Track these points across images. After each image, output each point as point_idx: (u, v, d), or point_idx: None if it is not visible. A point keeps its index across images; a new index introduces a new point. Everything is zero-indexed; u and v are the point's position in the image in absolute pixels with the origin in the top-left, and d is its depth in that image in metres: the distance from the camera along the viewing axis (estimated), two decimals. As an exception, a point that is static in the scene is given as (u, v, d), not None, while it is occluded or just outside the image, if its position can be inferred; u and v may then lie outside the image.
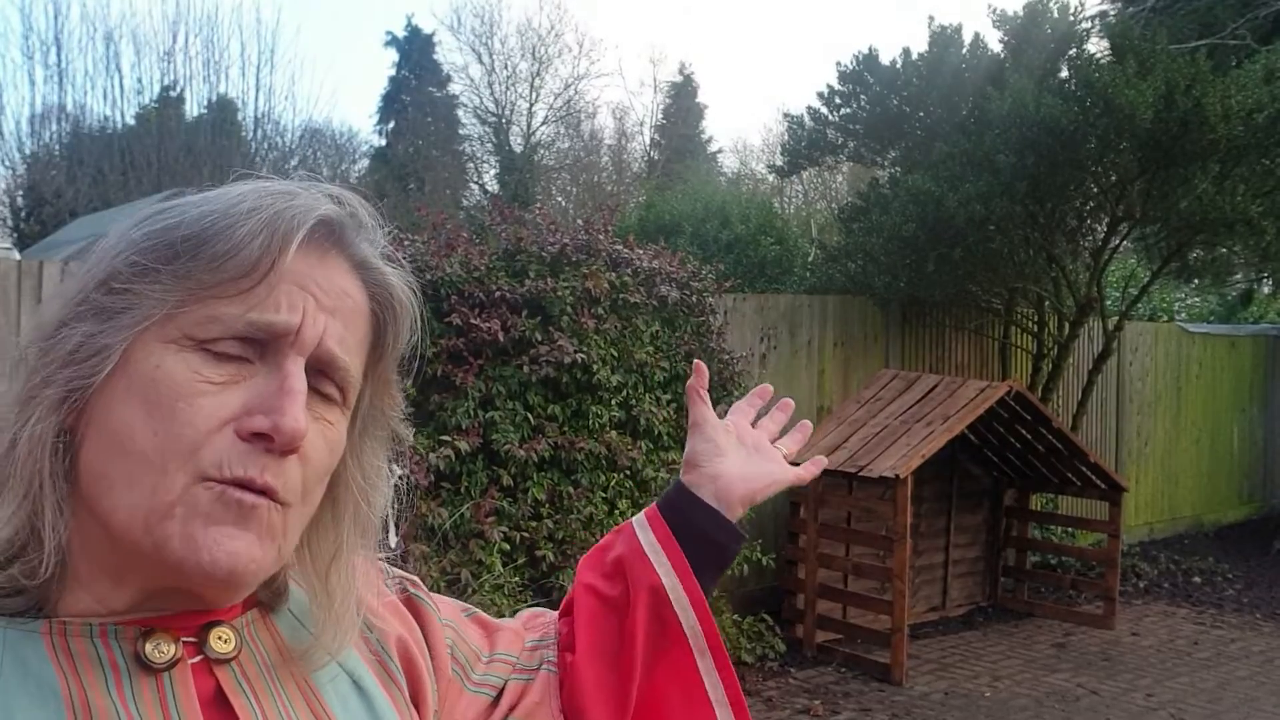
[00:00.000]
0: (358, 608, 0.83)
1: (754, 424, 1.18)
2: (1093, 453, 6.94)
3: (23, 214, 17.14)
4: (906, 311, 7.81)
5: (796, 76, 41.57)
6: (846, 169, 16.90)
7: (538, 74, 25.57)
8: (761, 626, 6.09)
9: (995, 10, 8.11)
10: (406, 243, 5.16)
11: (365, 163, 23.93)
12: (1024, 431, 6.76)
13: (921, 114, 8.01)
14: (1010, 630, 6.94)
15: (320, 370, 0.75)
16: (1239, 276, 10.75)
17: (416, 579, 0.96)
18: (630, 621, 0.99)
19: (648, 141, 27.75)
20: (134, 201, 12.90)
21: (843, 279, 7.84)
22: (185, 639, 0.74)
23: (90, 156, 16.74)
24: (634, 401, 5.40)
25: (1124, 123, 6.39)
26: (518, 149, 24.83)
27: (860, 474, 5.89)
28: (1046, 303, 8.09)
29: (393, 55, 25.56)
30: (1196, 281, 9.88)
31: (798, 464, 1.17)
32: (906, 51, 8.04)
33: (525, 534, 5.00)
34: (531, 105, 25.53)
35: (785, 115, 11.33)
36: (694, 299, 5.83)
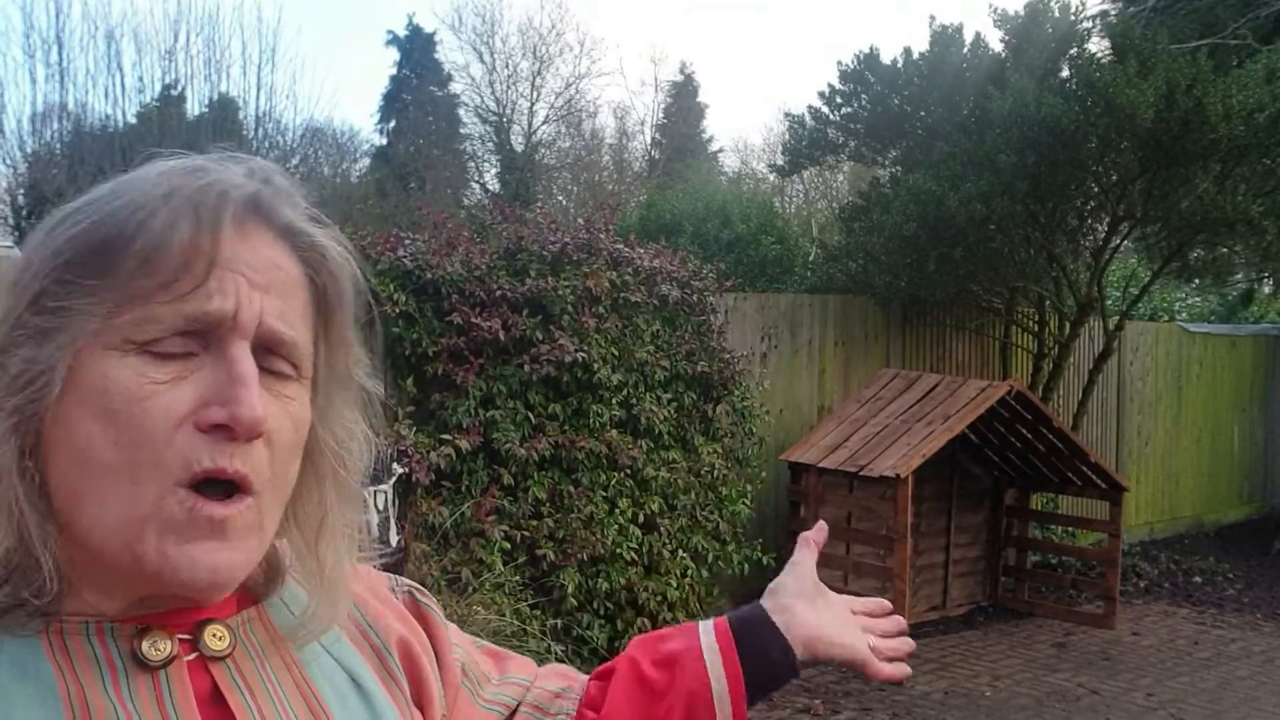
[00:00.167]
0: (350, 585, 0.82)
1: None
2: (1093, 452, 6.94)
3: (24, 212, 17.14)
4: (907, 311, 7.81)
5: (797, 76, 41.56)
6: (847, 168, 16.91)
7: (539, 73, 25.57)
8: (762, 626, 6.09)
9: (996, 10, 8.12)
10: (408, 241, 5.16)
11: (366, 162, 23.90)
12: (1025, 431, 6.76)
13: (922, 113, 8.01)
14: (1010, 630, 6.94)
15: (268, 349, 0.74)
16: (1240, 276, 10.75)
17: (425, 590, 0.96)
18: (665, 708, 0.99)
19: (649, 141, 27.76)
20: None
21: (843, 278, 7.84)
22: (181, 636, 0.74)
23: (91, 155, 16.72)
24: (634, 400, 5.40)
25: (1125, 122, 6.39)
26: (519, 148, 24.82)
27: (861, 473, 5.89)
28: (1047, 302, 8.09)
29: (394, 54, 25.56)
30: (1197, 281, 9.89)
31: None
32: (907, 51, 8.05)
33: (526, 533, 5.01)
34: (532, 104, 25.54)
35: (786, 114, 11.35)
36: (695, 298, 5.83)
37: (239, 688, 0.75)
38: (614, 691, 1.00)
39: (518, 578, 4.90)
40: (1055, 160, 6.68)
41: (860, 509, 6.23)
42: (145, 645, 0.72)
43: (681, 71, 28.11)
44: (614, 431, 5.31)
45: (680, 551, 5.52)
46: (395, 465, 4.64)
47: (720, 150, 28.46)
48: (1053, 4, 8.02)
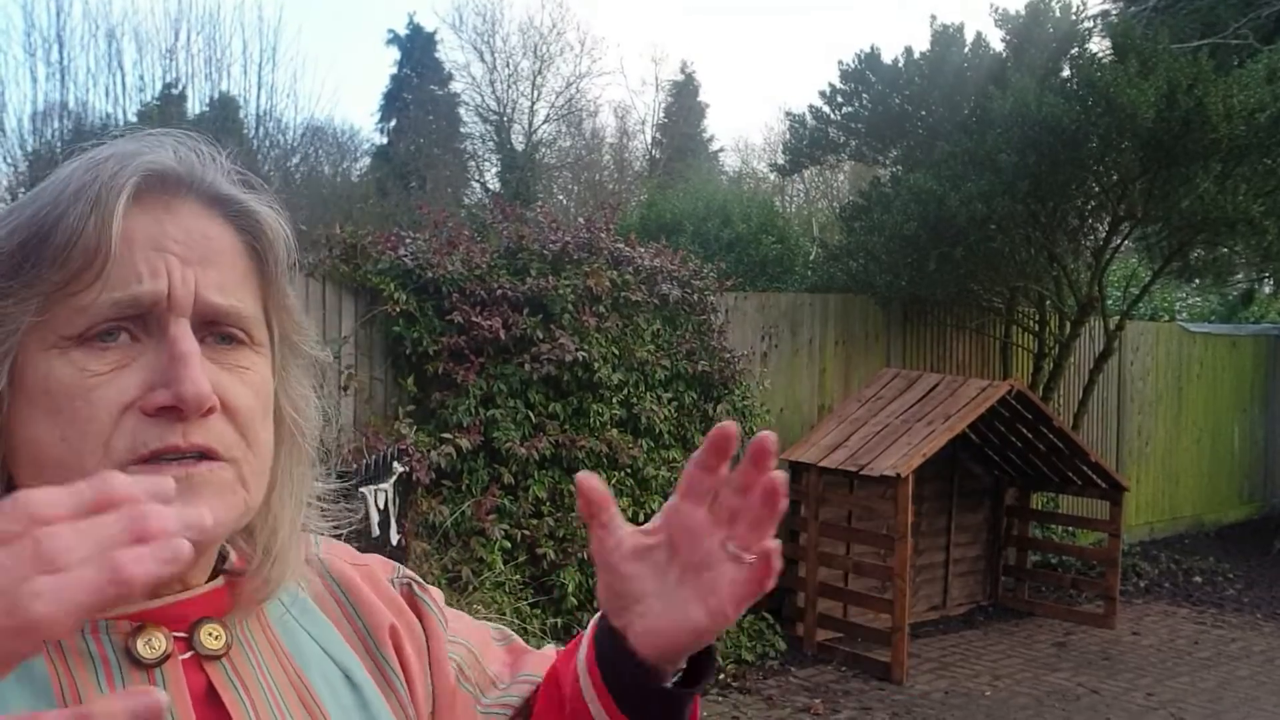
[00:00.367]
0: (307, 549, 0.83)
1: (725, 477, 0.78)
2: (1093, 452, 6.94)
3: (25, 211, 17.14)
4: (908, 310, 7.81)
5: (798, 75, 41.53)
6: (848, 168, 16.89)
7: (539, 72, 25.55)
8: (762, 625, 6.10)
9: (997, 9, 8.12)
10: (408, 240, 5.16)
11: (367, 161, 23.92)
12: (1025, 431, 6.76)
13: (923, 113, 8.01)
14: (1011, 629, 6.94)
15: (211, 322, 0.73)
16: (1240, 276, 10.75)
17: (426, 584, 0.95)
18: None
19: (649, 140, 27.74)
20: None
21: (844, 278, 7.84)
22: (176, 634, 0.74)
23: (92, 154, 16.72)
24: (635, 400, 5.40)
25: (1126, 122, 6.38)
26: (519, 147, 24.81)
27: (861, 473, 5.89)
28: (1048, 302, 8.08)
29: (394, 53, 25.56)
30: (1198, 281, 9.88)
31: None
32: (908, 50, 8.05)
33: (526, 532, 5.01)
34: (533, 104, 25.51)
35: (787, 114, 11.35)
36: (695, 297, 5.83)
37: (234, 686, 0.75)
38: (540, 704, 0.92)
39: (518, 577, 4.91)
40: (1056, 160, 6.68)
41: (861, 508, 6.23)
42: (140, 643, 0.72)
43: (682, 71, 28.11)
44: (614, 431, 5.31)
45: (680, 551, 5.52)
46: (395, 464, 4.64)
47: (721, 150, 28.46)
48: (1054, 4, 8.02)
